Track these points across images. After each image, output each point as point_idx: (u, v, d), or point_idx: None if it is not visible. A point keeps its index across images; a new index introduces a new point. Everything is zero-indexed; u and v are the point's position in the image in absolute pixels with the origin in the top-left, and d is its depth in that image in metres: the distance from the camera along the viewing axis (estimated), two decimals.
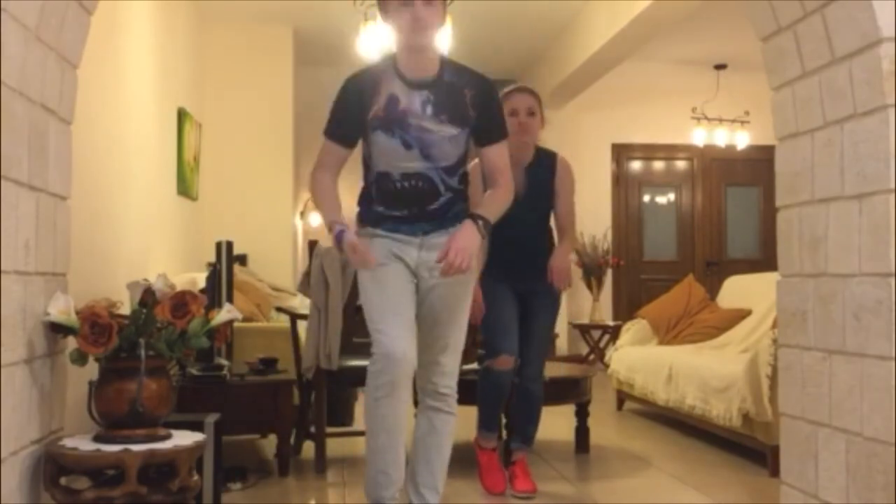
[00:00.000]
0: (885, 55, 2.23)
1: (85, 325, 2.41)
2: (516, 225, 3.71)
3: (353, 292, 4.04)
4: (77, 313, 2.44)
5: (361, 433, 4.62)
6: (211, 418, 3.27)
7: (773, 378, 3.89)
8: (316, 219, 10.83)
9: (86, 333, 2.41)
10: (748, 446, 4.31)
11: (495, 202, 2.88)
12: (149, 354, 2.49)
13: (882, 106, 2.25)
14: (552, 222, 3.94)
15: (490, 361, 3.74)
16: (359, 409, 5.21)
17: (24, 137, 2.25)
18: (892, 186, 2.23)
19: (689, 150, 9.55)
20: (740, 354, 4.84)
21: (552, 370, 4.53)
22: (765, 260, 8.98)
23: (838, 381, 2.44)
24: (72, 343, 2.49)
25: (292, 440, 4.21)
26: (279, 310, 5.15)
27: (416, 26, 2.67)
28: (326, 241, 4.33)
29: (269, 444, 4.44)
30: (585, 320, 9.03)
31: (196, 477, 2.60)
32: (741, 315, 5.65)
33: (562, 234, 3.87)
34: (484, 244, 2.95)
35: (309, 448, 4.28)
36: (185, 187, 6.30)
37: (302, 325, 4.35)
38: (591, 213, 9.19)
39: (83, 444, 2.44)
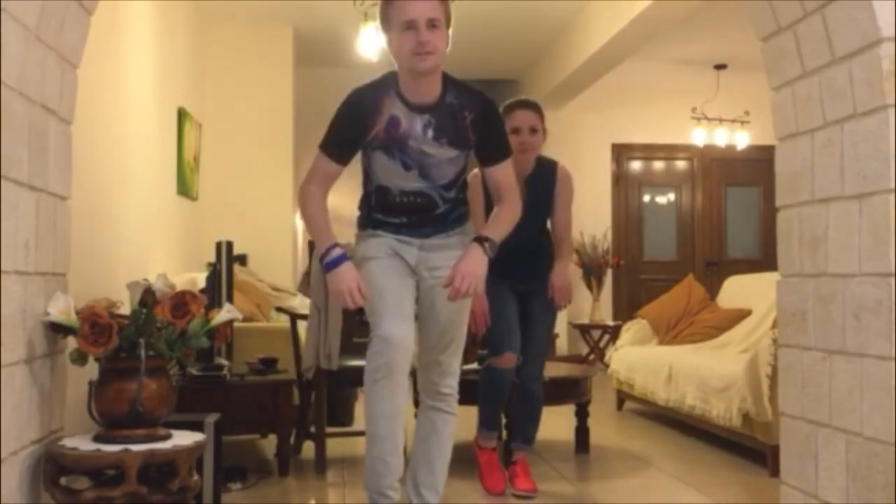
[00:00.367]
0: (885, 55, 2.23)
1: (85, 325, 2.41)
2: (515, 236, 3.71)
3: None
4: (77, 313, 2.44)
5: (361, 433, 4.62)
6: (211, 418, 3.27)
7: (773, 378, 3.89)
8: None
9: (86, 333, 2.41)
10: (748, 446, 4.31)
11: (501, 222, 2.86)
12: (149, 354, 2.49)
13: (882, 106, 2.25)
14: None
15: (493, 359, 3.74)
16: (359, 410, 5.21)
17: (24, 137, 2.25)
18: (892, 186, 2.23)
19: (689, 150, 9.55)
20: (740, 354, 4.84)
21: (552, 370, 4.53)
22: (765, 260, 8.98)
23: (838, 381, 2.44)
24: (72, 343, 2.49)
25: (292, 440, 4.21)
26: (279, 310, 5.15)
27: (419, 51, 2.63)
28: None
29: (269, 444, 4.44)
30: (585, 320, 9.03)
31: (196, 477, 2.60)
32: (741, 315, 5.65)
33: (559, 245, 3.85)
34: None
35: (309, 448, 4.28)
36: (185, 187, 6.30)
37: (302, 325, 4.35)
38: (591, 213, 9.19)
39: (83, 444, 2.44)
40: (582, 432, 4.62)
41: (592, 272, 9.01)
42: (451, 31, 2.73)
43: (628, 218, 9.63)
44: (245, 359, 4.28)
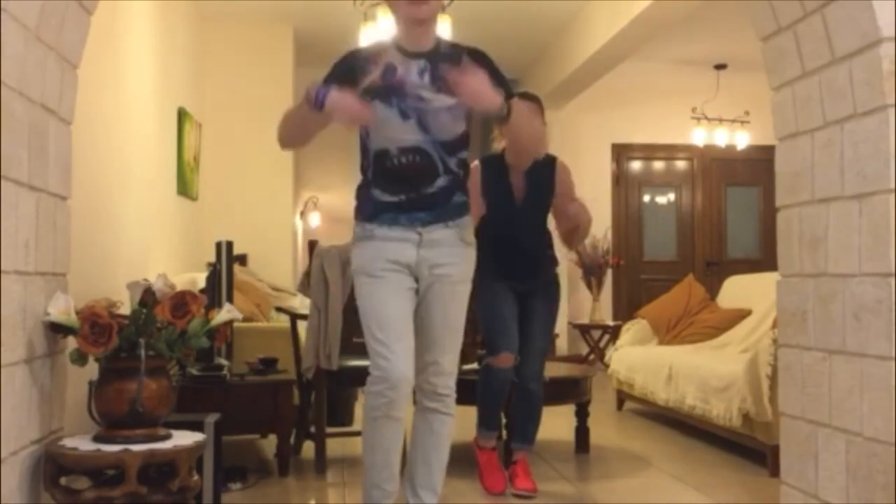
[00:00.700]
0: (885, 55, 2.23)
1: (85, 325, 2.41)
2: (515, 227, 3.72)
3: (354, 292, 4.04)
4: (77, 313, 2.44)
5: (361, 433, 4.62)
6: (211, 418, 3.27)
7: (773, 378, 3.89)
8: (316, 219, 10.79)
9: (86, 333, 2.41)
10: (748, 446, 4.32)
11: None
12: (149, 354, 2.49)
13: (882, 106, 2.25)
14: (554, 232, 3.91)
15: (490, 359, 3.75)
16: (359, 410, 5.21)
17: (24, 137, 2.25)
18: (892, 186, 2.23)
19: (689, 150, 9.55)
20: (740, 354, 4.85)
21: (552, 370, 4.53)
22: (765, 260, 8.98)
23: (838, 381, 2.44)
24: (72, 343, 2.49)
25: (292, 440, 4.21)
26: (279, 310, 5.15)
27: None
28: (326, 242, 4.33)
29: (269, 444, 4.44)
30: (585, 320, 9.03)
31: (196, 477, 2.60)
32: (741, 315, 5.65)
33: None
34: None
35: (309, 448, 4.28)
36: (185, 187, 6.30)
37: (302, 325, 4.35)
38: (591, 213, 9.19)
39: (83, 444, 2.44)
40: (582, 432, 4.62)
41: (592, 272, 9.01)
42: None
43: (628, 218, 9.64)
44: (245, 359, 4.28)
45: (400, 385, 2.72)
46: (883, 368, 2.24)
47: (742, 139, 9.14)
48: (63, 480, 2.44)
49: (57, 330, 2.46)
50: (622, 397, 6.04)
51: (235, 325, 3.63)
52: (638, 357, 5.73)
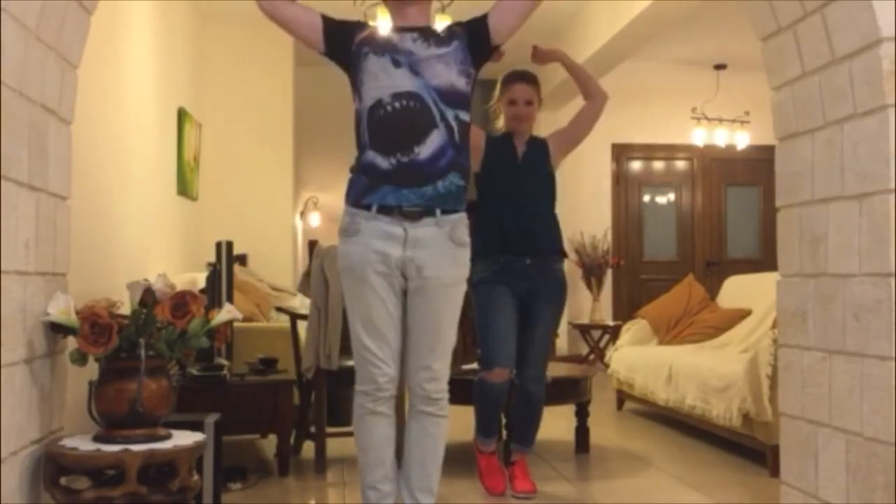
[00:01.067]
0: (885, 55, 2.23)
1: (85, 325, 2.41)
2: (519, 190, 3.74)
3: None
4: (77, 313, 2.44)
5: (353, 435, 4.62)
6: (211, 418, 3.27)
7: (773, 378, 3.89)
8: (316, 219, 10.79)
9: (86, 333, 2.41)
10: (748, 446, 4.32)
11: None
12: (149, 354, 2.49)
13: (882, 106, 2.25)
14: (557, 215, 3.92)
15: (485, 374, 3.70)
16: None
17: (24, 137, 2.25)
18: (892, 186, 2.22)
19: (689, 150, 9.55)
20: (740, 354, 4.85)
21: (552, 370, 4.53)
22: (765, 260, 8.98)
23: (838, 381, 2.44)
24: (72, 343, 2.49)
25: (292, 440, 4.21)
26: (279, 310, 5.15)
27: None
28: (326, 242, 4.33)
29: (269, 444, 4.44)
30: (585, 320, 9.03)
31: (196, 477, 2.60)
32: (741, 315, 5.65)
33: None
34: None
35: (309, 448, 4.28)
36: (185, 187, 6.30)
37: (302, 325, 4.35)
38: (591, 213, 9.20)
39: (83, 444, 2.44)
40: (582, 432, 4.62)
41: (592, 272, 9.02)
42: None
43: (628, 218, 9.64)
44: (245, 359, 4.28)
45: (387, 385, 2.77)
46: (883, 368, 2.24)
47: (742, 139, 9.14)
48: (63, 480, 2.44)
49: (57, 330, 2.46)
50: (622, 397, 6.04)
51: (235, 325, 3.63)
52: (638, 357, 5.73)
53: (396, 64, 2.73)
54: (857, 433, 2.34)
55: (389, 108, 2.71)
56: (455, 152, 2.74)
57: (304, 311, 4.38)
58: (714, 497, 3.69)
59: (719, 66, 8.84)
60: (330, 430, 4.21)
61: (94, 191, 3.94)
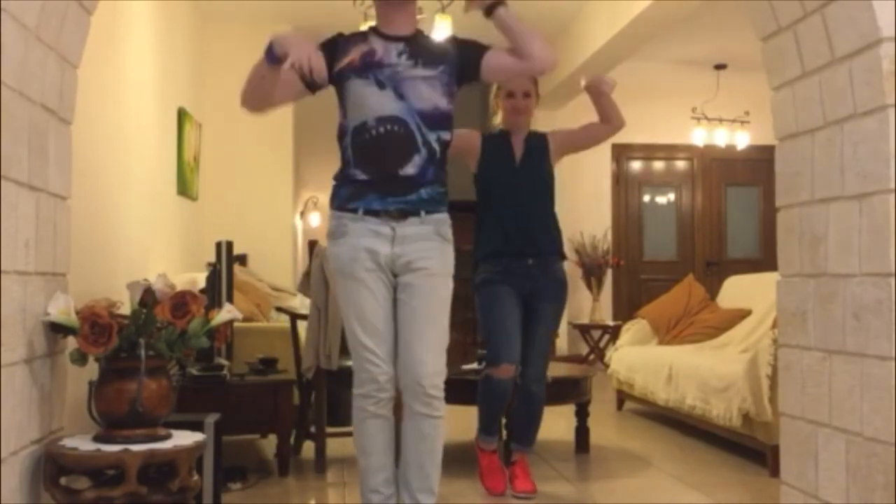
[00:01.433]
0: (885, 55, 2.23)
1: (85, 325, 2.41)
2: (518, 191, 3.73)
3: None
4: (77, 313, 2.44)
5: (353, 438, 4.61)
6: (211, 418, 3.27)
7: (773, 378, 3.89)
8: (316, 219, 10.78)
9: (86, 333, 2.41)
10: (748, 446, 4.32)
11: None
12: (149, 354, 2.49)
13: (882, 106, 2.25)
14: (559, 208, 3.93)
15: (491, 370, 3.71)
16: None
17: (24, 137, 2.25)
18: (892, 186, 2.22)
19: (689, 150, 9.55)
20: (740, 354, 4.85)
21: (552, 370, 4.53)
22: (765, 260, 8.98)
23: (838, 381, 2.44)
24: (72, 343, 2.49)
25: (292, 440, 4.21)
26: (279, 310, 5.15)
27: None
28: (326, 242, 4.33)
29: (269, 444, 4.44)
30: (585, 320, 9.03)
31: (196, 477, 2.60)
32: (741, 315, 5.65)
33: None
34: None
35: (309, 448, 4.28)
36: (185, 187, 6.30)
37: (302, 325, 4.35)
38: (591, 213, 9.20)
39: (83, 444, 2.44)
40: (582, 432, 4.62)
41: (592, 272, 9.02)
42: None
43: (628, 218, 9.63)
44: (245, 359, 4.28)
45: (387, 385, 2.78)
46: (883, 368, 2.24)
47: (742, 139, 9.14)
48: (63, 480, 2.44)
49: (57, 330, 2.46)
50: (622, 397, 6.04)
51: (235, 325, 3.63)
52: (638, 357, 5.73)
53: (380, 85, 2.75)
54: (857, 433, 2.34)
55: (374, 132, 2.75)
56: (436, 168, 2.81)
57: (304, 311, 4.38)
58: (714, 497, 3.69)
59: (719, 66, 8.84)
60: (330, 430, 4.21)
61: (94, 191, 3.94)
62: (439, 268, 2.80)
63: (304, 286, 4.24)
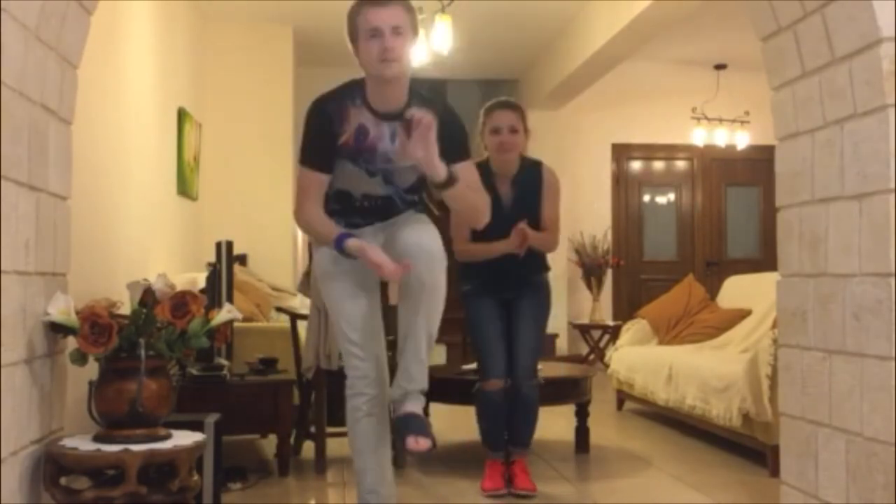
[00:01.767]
0: (885, 55, 2.23)
1: (85, 325, 2.41)
2: (505, 236, 3.70)
3: None
4: (77, 313, 2.44)
5: (348, 439, 4.59)
6: (211, 418, 3.27)
7: (773, 378, 3.89)
8: None
9: (86, 333, 2.41)
10: (748, 446, 4.31)
11: (471, 190, 2.83)
12: (149, 354, 2.49)
13: (882, 106, 2.25)
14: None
15: (482, 384, 3.79)
16: None
17: (24, 137, 2.25)
18: (892, 186, 2.22)
19: (689, 150, 9.55)
20: (740, 354, 4.84)
21: (552, 370, 4.53)
22: (765, 260, 8.98)
23: (838, 381, 2.44)
24: (72, 343, 2.49)
25: (292, 440, 4.21)
26: (279, 310, 5.15)
27: (385, 57, 2.66)
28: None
29: (269, 444, 4.44)
30: (585, 320, 9.02)
31: (196, 477, 2.60)
32: (741, 315, 5.65)
33: (543, 233, 3.81)
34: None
35: (309, 448, 4.28)
36: (185, 187, 6.29)
37: (302, 325, 4.35)
38: (591, 213, 9.19)
39: (83, 444, 2.44)
40: (582, 432, 4.62)
41: (592, 272, 9.01)
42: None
43: (628, 218, 9.63)
44: (245, 359, 4.28)
45: (377, 382, 2.79)
46: (883, 368, 2.24)
47: (742, 139, 9.14)
48: (63, 480, 2.44)
49: (57, 330, 2.46)
50: (622, 397, 6.04)
51: (235, 325, 3.63)
52: (638, 357, 5.73)
53: (371, 174, 2.79)
54: (857, 433, 2.34)
55: (358, 203, 2.85)
56: (419, 204, 2.95)
57: (304, 311, 4.38)
58: (714, 497, 3.69)
59: (719, 66, 8.84)
60: (330, 430, 4.21)
61: (94, 191, 3.94)
62: (418, 216, 2.88)
63: (304, 286, 4.24)
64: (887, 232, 2.23)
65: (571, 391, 4.51)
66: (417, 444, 2.66)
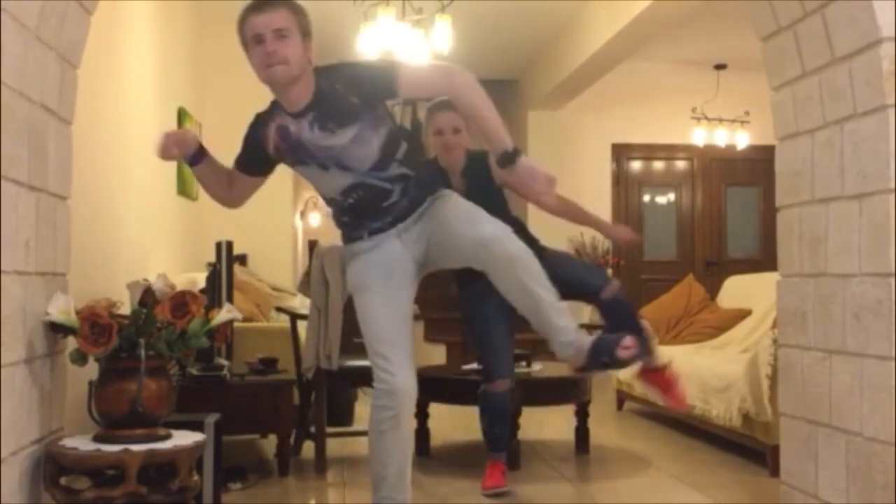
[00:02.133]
0: (885, 55, 2.23)
1: (85, 325, 2.41)
2: None
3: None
4: (77, 313, 2.44)
5: (361, 433, 4.61)
6: (211, 418, 3.27)
7: (773, 378, 3.89)
8: (316, 219, 10.80)
9: (86, 333, 2.41)
10: (748, 446, 4.31)
11: (486, 115, 2.69)
12: (149, 354, 2.49)
13: (882, 106, 2.25)
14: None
15: (486, 385, 3.79)
16: (359, 409, 5.21)
17: (24, 137, 2.25)
18: (892, 186, 2.23)
19: (689, 150, 9.55)
20: (740, 354, 4.84)
21: (552, 370, 4.53)
22: (765, 260, 8.97)
23: (838, 381, 2.44)
24: (72, 343, 2.49)
25: (292, 440, 4.21)
26: (279, 310, 5.15)
27: (268, 61, 2.67)
28: (326, 241, 4.33)
29: (269, 444, 4.44)
30: (585, 320, 9.00)
31: (196, 477, 2.60)
32: (741, 315, 5.65)
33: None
34: None
35: (309, 448, 4.28)
36: (185, 187, 6.29)
37: (302, 325, 4.35)
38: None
39: (83, 444, 2.44)
40: (582, 432, 4.62)
41: None
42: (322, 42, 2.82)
43: (628, 218, 9.62)
44: (245, 359, 4.28)
45: (404, 396, 2.69)
46: (883, 368, 2.24)
47: (742, 139, 9.14)
48: (63, 480, 2.44)
49: (57, 330, 2.46)
50: (622, 397, 6.04)
51: (235, 325, 3.63)
52: None
53: (323, 167, 2.74)
54: (857, 433, 2.34)
55: (344, 203, 2.79)
56: (413, 178, 2.78)
57: (304, 311, 4.38)
58: (714, 497, 3.69)
59: (719, 66, 8.83)
60: (330, 430, 4.21)
61: (94, 191, 3.94)
62: (446, 198, 2.81)
63: (304, 286, 4.24)
64: (887, 232, 2.23)
65: (571, 391, 4.51)
66: (627, 350, 2.76)
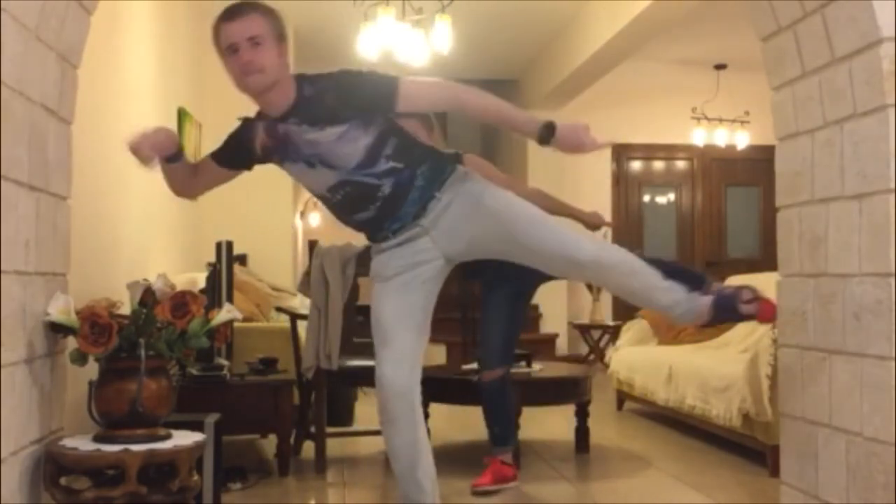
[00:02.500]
0: (885, 55, 2.23)
1: (85, 325, 2.41)
2: None
3: (353, 292, 4.05)
4: (77, 313, 2.44)
5: (361, 433, 4.61)
6: (211, 418, 3.27)
7: (773, 378, 3.89)
8: (316, 219, 10.80)
9: (86, 333, 2.41)
10: (748, 446, 4.31)
11: (501, 107, 2.70)
12: (149, 354, 2.48)
13: (882, 106, 2.25)
14: None
15: (483, 374, 3.84)
16: (359, 409, 5.21)
17: (24, 137, 2.25)
18: (892, 186, 2.23)
19: (689, 150, 9.56)
20: (740, 354, 4.84)
21: (552, 370, 4.53)
22: (765, 260, 8.98)
23: (838, 381, 2.44)
24: (72, 343, 2.49)
25: (292, 440, 4.21)
26: (279, 310, 5.15)
27: (245, 70, 2.64)
28: (326, 241, 4.33)
29: (269, 444, 4.44)
30: (585, 320, 9.02)
31: (196, 477, 2.60)
32: None
33: None
34: None
35: (309, 448, 4.28)
36: None
37: (302, 325, 4.35)
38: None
39: (83, 444, 2.44)
40: (582, 432, 4.62)
41: None
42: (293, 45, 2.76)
43: (628, 218, 9.63)
44: (245, 359, 4.28)
45: (388, 389, 2.66)
46: (883, 368, 2.24)
47: (742, 139, 9.15)
48: (63, 480, 2.44)
49: (57, 330, 2.46)
50: (622, 397, 6.04)
51: (235, 325, 3.63)
52: (638, 357, 5.73)
53: (310, 165, 2.72)
54: (857, 433, 2.34)
55: (333, 200, 2.77)
56: (411, 165, 2.71)
57: (304, 311, 4.38)
58: (714, 497, 3.69)
59: (719, 66, 8.84)
60: (330, 430, 4.21)
61: (94, 191, 3.94)
62: (477, 195, 2.74)
63: (304, 286, 4.24)
64: (887, 232, 2.23)
65: (571, 391, 4.51)
66: (750, 304, 2.73)
